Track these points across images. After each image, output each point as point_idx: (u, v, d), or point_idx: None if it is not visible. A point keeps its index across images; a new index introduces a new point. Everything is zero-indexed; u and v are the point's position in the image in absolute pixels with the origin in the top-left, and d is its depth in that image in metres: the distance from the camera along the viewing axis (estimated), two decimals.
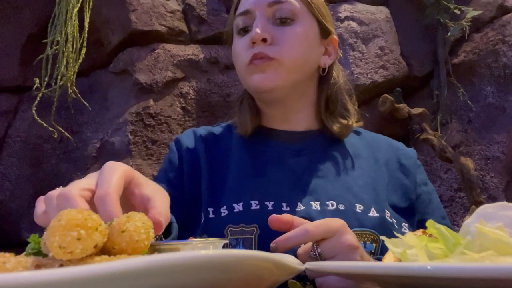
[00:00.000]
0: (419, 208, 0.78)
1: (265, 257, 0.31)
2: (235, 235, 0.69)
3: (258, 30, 0.73)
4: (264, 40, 0.74)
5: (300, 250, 0.57)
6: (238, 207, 0.72)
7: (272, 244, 0.55)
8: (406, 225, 0.75)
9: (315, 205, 0.72)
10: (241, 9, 0.79)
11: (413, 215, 0.78)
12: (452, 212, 1.86)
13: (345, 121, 0.82)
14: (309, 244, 0.56)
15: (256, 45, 0.74)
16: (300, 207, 0.71)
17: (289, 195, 0.73)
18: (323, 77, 0.82)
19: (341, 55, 0.88)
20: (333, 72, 0.83)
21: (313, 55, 0.79)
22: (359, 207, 0.71)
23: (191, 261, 0.27)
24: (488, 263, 0.32)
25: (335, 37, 0.84)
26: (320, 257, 0.54)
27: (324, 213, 0.70)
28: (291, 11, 0.76)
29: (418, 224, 0.77)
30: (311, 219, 0.69)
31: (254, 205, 0.72)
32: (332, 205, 0.72)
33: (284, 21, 0.76)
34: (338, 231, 0.55)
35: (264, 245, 0.67)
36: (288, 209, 0.71)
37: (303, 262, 0.49)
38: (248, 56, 0.75)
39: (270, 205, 0.71)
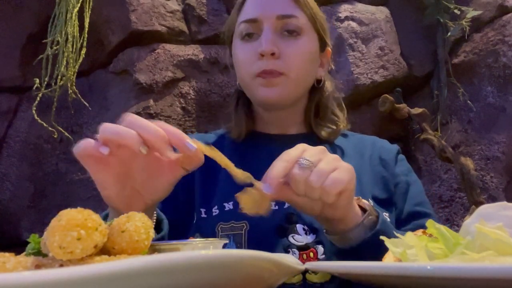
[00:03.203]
0: (397, 196, 0.80)
1: (265, 257, 0.31)
2: (226, 231, 0.72)
3: (268, 45, 0.75)
4: (273, 54, 0.76)
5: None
6: (229, 206, 0.75)
7: (268, 193, 0.53)
8: (387, 214, 0.77)
9: None
10: (247, 15, 0.80)
11: (393, 205, 0.80)
12: (452, 212, 1.86)
13: (334, 127, 0.86)
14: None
15: (264, 58, 0.76)
16: (287, 204, 0.74)
17: None
18: (315, 86, 0.86)
19: (333, 67, 0.93)
20: (325, 81, 0.87)
21: (314, 68, 0.83)
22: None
23: (191, 261, 0.27)
24: (488, 263, 0.32)
25: (329, 49, 0.88)
26: (309, 165, 0.53)
27: None
28: (298, 25, 0.79)
29: (397, 213, 0.79)
30: (297, 213, 0.72)
31: None
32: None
33: (290, 33, 0.79)
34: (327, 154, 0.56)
35: (253, 241, 0.70)
36: (276, 207, 0.74)
37: (294, 179, 0.53)
38: (256, 69, 0.77)
39: None
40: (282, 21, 0.78)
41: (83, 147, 0.50)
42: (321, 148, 0.57)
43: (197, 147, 0.50)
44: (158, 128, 0.49)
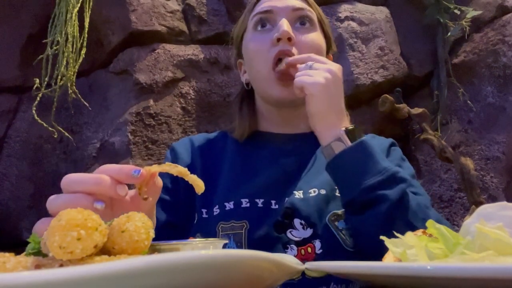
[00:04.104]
0: None
1: (265, 257, 0.31)
2: (226, 231, 0.73)
3: (286, 28, 0.77)
4: (289, 39, 0.78)
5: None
6: (229, 205, 0.76)
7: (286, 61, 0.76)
8: None
9: (298, 194, 0.76)
10: (262, 8, 0.83)
11: None
12: (452, 212, 1.86)
13: None
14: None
15: (281, 42, 0.78)
16: (286, 200, 0.75)
17: (278, 193, 0.76)
18: None
19: None
20: None
21: None
22: (339, 191, 0.74)
23: (191, 261, 0.27)
24: (488, 263, 0.32)
25: (331, 55, 0.92)
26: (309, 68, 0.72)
27: (307, 200, 0.74)
28: (312, 18, 0.83)
29: None
30: (294, 208, 0.74)
31: (245, 203, 0.75)
32: (314, 192, 0.76)
33: (303, 24, 0.82)
34: (333, 64, 0.73)
35: (253, 239, 0.71)
36: (276, 206, 0.75)
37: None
38: (272, 53, 0.78)
39: (260, 202, 0.75)
40: (297, 13, 0.82)
41: (40, 229, 0.47)
42: (332, 68, 0.73)
43: (143, 170, 0.48)
44: (98, 176, 0.47)
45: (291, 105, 0.82)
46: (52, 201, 0.48)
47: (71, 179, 0.48)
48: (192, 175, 0.51)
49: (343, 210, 0.73)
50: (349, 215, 0.70)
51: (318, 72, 0.71)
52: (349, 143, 0.68)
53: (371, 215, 0.65)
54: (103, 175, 0.47)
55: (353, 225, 0.71)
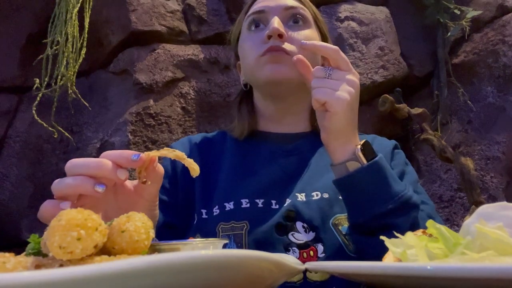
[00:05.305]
0: None
1: (265, 257, 0.31)
2: (226, 231, 0.72)
3: (276, 25, 0.77)
4: (280, 35, 0.77)
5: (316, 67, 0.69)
6: (229, 205, 0.75)
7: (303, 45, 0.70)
8: None
9: (301, 197, 0.75)
10: (255, 9, 0.83)
11: None
12: (452, 212, 1.86)
13: None
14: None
15: (272, 39, 0.78)
16: (287, 201, 0.74)
17: (278, 192, 0.76)
18: None
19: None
20: None
21: (318, 62, 0.83)
22: (346, 211, 0.73)
23: (191, 261, 0.27)
24: (488, 263, 0.32)
25: None
26: (329, 76, 0.67)
27: (309, 203, 0.73)
28: (305, 15, 0.83)
29: None
30: (296, 210, 0.72)
31: (245, 203, 0.74)
32: (317, 195, 0.75)
33: (296, 22, 0.82)
34: (353, 73, 0.67)
35: (254, 240, 0.70)
36: (277, 206, 0.74)
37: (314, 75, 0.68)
38: (262, 49, 0.78)
39: (260, 202, 0.74)
40: (290, 11, 0.81)
41: (45, 210, 0.49)
42: (355, 80, 0.67)
43: (143, 154, 0.50)
44: (99, 160, 0.49)
45: (284, 89, 0.81)
46: (56, 184, 0.50)
47: (74, 163, 0.50)
48: (188, 158, 0.52)
49: (346, 214, 0.72)
50: (355, 233, 0.68)
51: (342, 86, 0.65)
52: (364, 162, 0.65)
53: (378, 240, 0.64)
54: (105, 159, 0.49)
55: (358, 244, 0.69)
